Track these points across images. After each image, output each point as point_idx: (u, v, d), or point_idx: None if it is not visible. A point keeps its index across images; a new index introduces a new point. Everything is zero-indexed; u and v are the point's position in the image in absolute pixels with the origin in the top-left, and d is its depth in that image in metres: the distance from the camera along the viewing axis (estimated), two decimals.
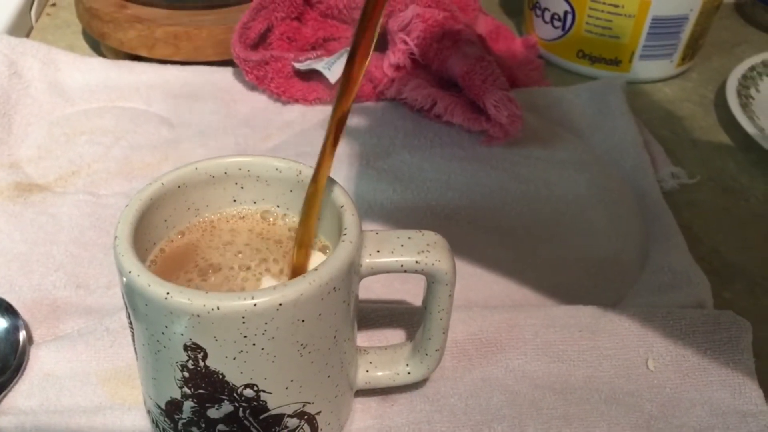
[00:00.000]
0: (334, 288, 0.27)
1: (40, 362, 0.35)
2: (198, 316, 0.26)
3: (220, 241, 0.31)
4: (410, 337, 0.36)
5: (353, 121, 0.51)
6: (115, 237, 0.28)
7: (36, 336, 0.37)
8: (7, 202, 0.44)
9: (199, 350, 0.27)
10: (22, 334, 0.36)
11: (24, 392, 0.34)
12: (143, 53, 0.56)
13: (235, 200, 0.32)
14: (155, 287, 0.26)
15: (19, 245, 0.42)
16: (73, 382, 0.35)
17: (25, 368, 0.35)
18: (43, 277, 0.40)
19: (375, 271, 0.30)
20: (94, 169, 0.47)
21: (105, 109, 0.52)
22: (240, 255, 0.31)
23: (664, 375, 0.36)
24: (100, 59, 0.56)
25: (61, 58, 0.54)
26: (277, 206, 0.32)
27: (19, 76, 0.52)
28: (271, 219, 0.32)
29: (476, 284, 0.41)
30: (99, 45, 0.60)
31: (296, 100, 0.53)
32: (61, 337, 0.37)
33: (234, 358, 0.27)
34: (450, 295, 0.31)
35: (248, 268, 0.30)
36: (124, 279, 0.27)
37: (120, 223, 0.28)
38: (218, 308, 0.26)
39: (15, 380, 0.34)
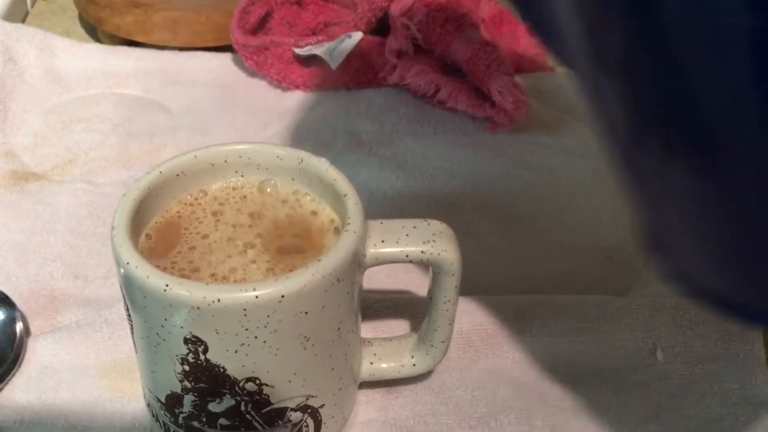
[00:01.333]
0: (338, 279, 0.26)
1: (38, 354, 0.35)
2: (198, 308, 0.25)
3: (226, 209, 0.30)
4: (415, 328, 0.35)
5: (354, 107, 0.50)
6: (112, 227, 0.27)
7: (33, 328, 0.36)
8: (2, 191, 0.43)
9: (199, 343, 0.26)
10: (19, 326, 0.35)
11: (21, 385, 0.34)
12: (140, 39, 0.55)
13: (234, 189, 0.31)
14: (154, 279, 0.25)
15: (15, 235, 0.41)
16: (71, 375, 0.34)
17: (22, 361, 0.34)
18: (40, 267, 0.39)
19: (379, 262, 0.29)
20: (92, 157, 0.47)
21: (102, 95, 0.51)
22: (238, 226, 0.30)
23: (673, 366, 0.35)
24: (97, 45, 0.55)
25: (57, 44, 0.53)
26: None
27: (15, 63, 0.51)
28: (268, 189, 0.31)
29: (481, 273, 0.40)
30: (96, 31, 0.59)
31: (296, 87, 0.52)
32: (59, 328, 0.36)
33: (235, 352, 0.26)
34: (456, 286, 0.30)
35: (253, 245, 0.29)
36: (122, 270, 0.26)
37: (117, 213, 0.27)
38: (219, 300, 0.25)
39: (12, 373, 0.34)
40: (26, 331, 0.35)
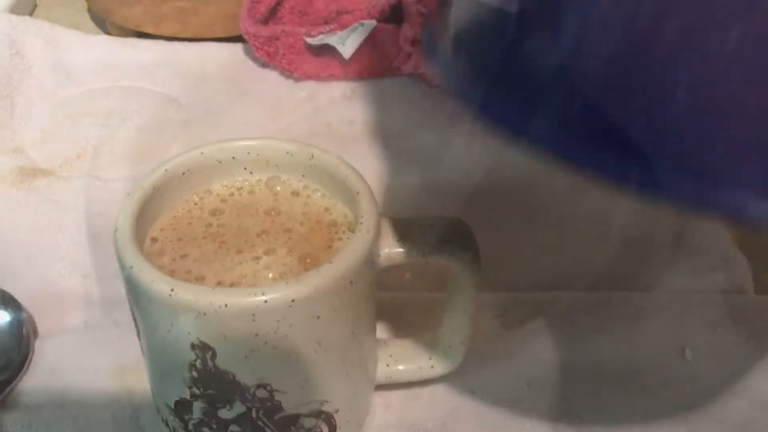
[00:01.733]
0: (351, 282, 0.25)
1: (46, 357, 0.34)
2: (205, 314, 0.24)
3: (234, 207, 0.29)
4: (433, 327, 0.34)
5: (368, 98, 0.49)
6: (116, 229, 0.26)
7: (41, 329, 0.35)
8: (10, 188, 0.43)
9: (207, 349, 0.25)
10: (26, 328, 0.34)
11: (29, 388, 0.33)
12: (149, 30, 0.54)
13: (241, 188, 0.30)
14: (158, 283, 0.24)
15: (23, 233, 0.40)
16: (80, 377, 0.33)
17: (30, 363, 0.33)
18: (47, 266, 0.38)
19: (395, 262, 0.28)
20: (100, 152, 0.46)
21: (111, 89, 0.50)
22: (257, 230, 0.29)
23: (702, 365, 0.34)
24: (105, 37, 0.54)
25: (65, 36, 0.52)
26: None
27: (22, 56, 0.50)
28: (278, 188, 0.30)
29: (502, 268, 0.39)
30: (105, 22, 0.58)
31: (308, 77, 0.51)
32: (68, 330, 0.35)
33: (245, 357, 0.25)
34: (475, 286, 0.29)
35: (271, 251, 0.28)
36: (126, 274, 0.25)
37: (120, 214, 0.26)
38: (226, 305, 0.24)
39: (20, 376, 0.33)
40: (34, 332, 0.35)
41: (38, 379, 0.33)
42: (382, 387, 0.32)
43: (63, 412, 0.32)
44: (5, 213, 0.41)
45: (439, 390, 0.33)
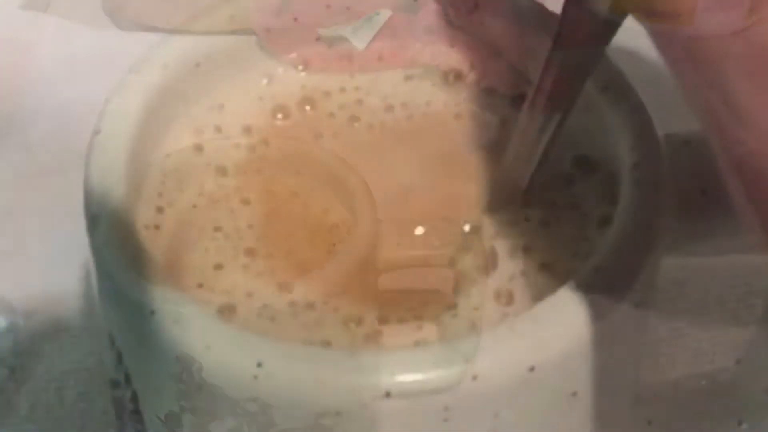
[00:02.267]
0: (344, 290, 0.24)
1: (41, 362, 0.33)
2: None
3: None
4: (441, 333, 0.32)
5: (382, 90, 0.47)
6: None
7: (37, 334, 0.35)
8: (13, 186, 0.42)
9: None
10: (21, 332, 0.33)
11: (23, 396, 0.32)
12: (161, 24, 0.52)
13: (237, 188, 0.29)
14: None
15: (24, 233, 0.39)
16: (77, 385, 0.33)
17: (24, 370, 0.33)
18: (47, 268, 0.38)
19: (395, 267, 0.26)
20: (106, 149, 0.45)
21: (120, 84, 0.49)
22: None
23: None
24: (115, 32, 0.53)
25: (75, 31, 0.51)
26: None
27: (30, 53, 0.49)
28: (275, 188, 0.29)
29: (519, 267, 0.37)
30: (118, 17, 0.57)
31: (321, 70, 0.49)
32: (64, 333, 0.34)
33: None
34: (483, 291, 0.27)
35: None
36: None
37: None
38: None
39: (13, 384, 0.32)
40: (29, 337, 0.34)
41: (32, 386, 0.32)
42: (387, 397, 0.31)
43: (57, 422, 0.31)
44: (6, 213, 0.40)
45: (448, 399, 0.31)
